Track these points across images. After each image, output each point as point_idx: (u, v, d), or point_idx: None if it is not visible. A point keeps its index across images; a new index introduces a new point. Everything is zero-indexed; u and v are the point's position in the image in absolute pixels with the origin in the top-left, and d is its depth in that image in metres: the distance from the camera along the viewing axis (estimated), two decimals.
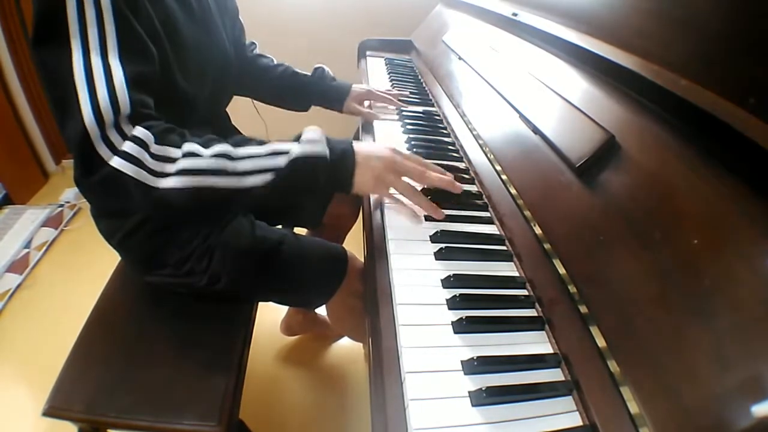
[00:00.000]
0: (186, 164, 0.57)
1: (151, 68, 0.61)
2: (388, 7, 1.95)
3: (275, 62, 1.09)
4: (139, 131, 0.57)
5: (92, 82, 0.54)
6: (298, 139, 0.63)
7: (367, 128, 1.00)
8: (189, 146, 0.59)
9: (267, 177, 0.60)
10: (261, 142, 0.63)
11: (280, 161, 0.60)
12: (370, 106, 1.08)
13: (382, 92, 1.09)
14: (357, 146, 0.65)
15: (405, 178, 0.66)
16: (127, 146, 0.56)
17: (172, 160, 0.58)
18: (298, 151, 0.60)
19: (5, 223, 1.73)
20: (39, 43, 0.56)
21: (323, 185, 0.63)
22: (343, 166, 0.63)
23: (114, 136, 0.55)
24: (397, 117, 1.05)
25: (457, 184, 0.68)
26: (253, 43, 1.10)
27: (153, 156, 0.57)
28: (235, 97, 1.01)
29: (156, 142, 0.57)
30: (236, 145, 0.61)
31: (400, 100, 1.10)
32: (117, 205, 0.60)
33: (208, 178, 0.58)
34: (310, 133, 0.63)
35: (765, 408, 0.30)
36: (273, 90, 1.08)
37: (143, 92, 0.59)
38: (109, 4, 0.55)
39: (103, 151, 0.55)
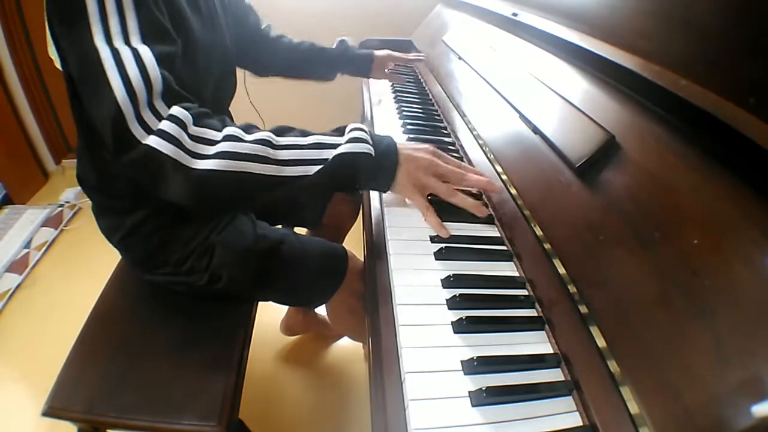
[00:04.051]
0: (226, 147, 0.56)
1: (175, 48, 0.61)
2: (388, 7, 1.95)
3: (296, 40, 1.13)
4: (177, 110, 0.56)
5: (121, 62, 0.54)
6: (341, 132, 0.62)
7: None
8: (230, 130, 0.58)
9: (308, 168, 0.59)
10: (304, 133, 0.62)
11: (325, 154, 0.59)
12: (394, 69, 1.21)
13: (400, 54, 1.21)
14: (400, 147, 0.64)
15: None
16: (165, 125, 0.55)
17: (212, 143, 0.57)
18: (344, 148, 0.60)
19: (5, 223, 1.73)
20: (59, 31, 0.56)
21: (364, 182, 0.63)
22: (386, 166, 0.63)
23: (148, 116, 0.55)
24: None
25: (483, 208, 0.67)
26: (269, 26, 1.12)
27: (191, 137, 0.56)
28: (234, 96, 1.01)
29: (194, 123, 0.57)
30: (278, 133, 0.61)
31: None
32: (147, 185, 0.59)
33: (247, 164, 0.57)
34: (355, 131, 0.62)
35: (765, 408, 0.30)
36: (301, 64, 1.13)
37: (171, 72, 0.58)
38: None
39: (136, 130, 0.54)
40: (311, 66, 1.14)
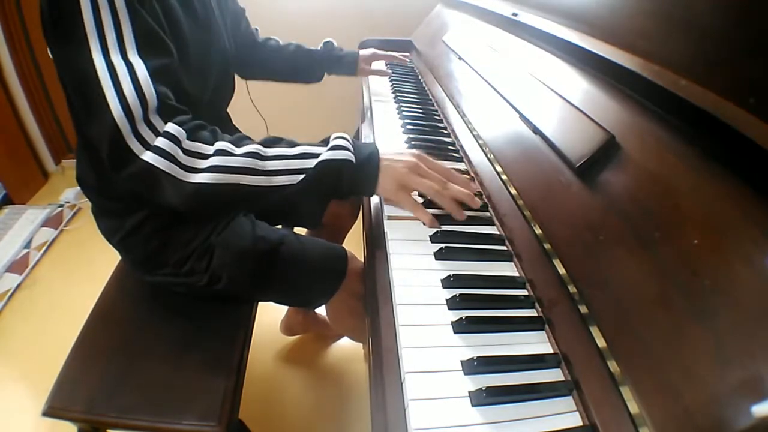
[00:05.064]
0: (217, 161, 0.59)
1: (170, 59, 0.62)
2: (388, 7, 1.95)
3: (282, 42, 1.16)
4: (172, 127, 0.58)
5: (117, 79, 0.55)
6: (326, 143, 0.64)
7: (367, 129, 1.00)
8: (221, 144, 0.60)
9: (295, 178, 0.61)
10: (291, 144, 0.64)
11: (309, 163, 0.62)
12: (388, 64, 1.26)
13: (384, 52, 1.24)
14: (382, 151, 0.66)
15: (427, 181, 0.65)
16: (160, 141, 0.57)
17: (204, 156, 0.59)
18: (325, 155, 0.62)
19: (5, 223, 1.73)
20: (56, 45, 0.57)
21: (347, 188, 0.64)
22: (368, 171, 0.64)
23: (144, 131, 0.57)
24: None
25: (476, 199, 0.67)
26: (256, 29, 1.14)
27: (185, 151, 0.58)
28: (234, 97, 1.01)
29: (188, 138, 0.59)
30: (267, 144, 0.63)
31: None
32: (145, 197, 0.62)
33: (238, 176, 0.59)
34: (337, 140, 0.64)
35: (765, 408, 0.30)
36: (288, 66, 1.16)
37: (166, 84, 0.60)
38: (123, 4, 0.56)
39: (134, 145, 0.56)
40: (298, 69, 1.17)
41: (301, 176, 0.61)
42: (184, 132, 0.59)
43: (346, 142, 0.64)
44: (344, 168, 0.62)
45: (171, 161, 0.57)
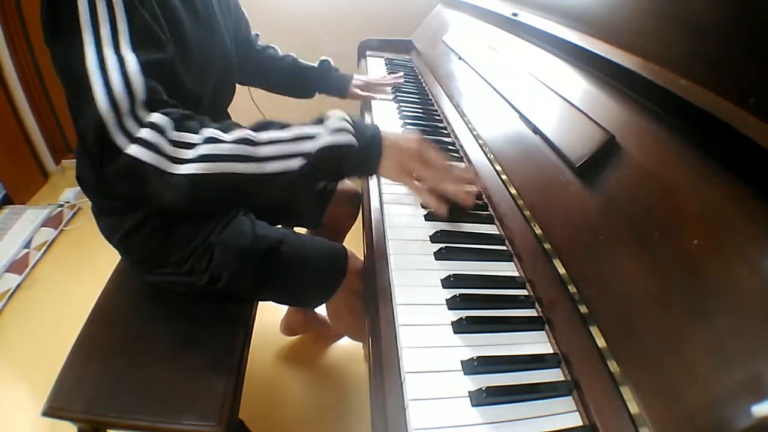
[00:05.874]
0: (206, 150, 0.56)
1: (164, 54, 0.60)
2: (388, 7, 1.95)
3: (281, 53, 1.15)
4: (157, 117, 0.56)
5: (106, 72, 0.54)
6: (320, 121, 0.62)
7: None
8: (209, 132, 0.57)
9: (291, 163, 0.58)
10: (283, 126, 0.61)
11: (305, 146, 0.59)
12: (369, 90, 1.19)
13: (379, 81, 1.21)
14: (384, 133, 0.64)
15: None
16: (144, 133, 0.54)
17: (191, 146, 0.56)
18: (328, 140, 0.59)
19: (5, 223, 1.73)
20: (52, 39, 0.56)
21: (348, 171, 0.63)
22: (370, 153, 0.62)
23: (130, 124, 0.55)
24: (392, 98, 1.07)
25: (470, 197, 0.66)
26: (257, 35, 1.13)
27: (171, 142, 0.56)
28: (235, 96, 1.01)
29: (175, 128, 0.56)
30: (258, 129, 0.60)
31: (398, 91, 1.15)
32: (136, 193, 0.59)
33: (228, 164, 0.56)
34: (336, 121, 0.61)
35: (765, 408, 0.30)
36: (282, 78, 1.15)
37: (158, 79, 0.58)
38: (120, 0, 0.55)
39: (119, 139, 0.54)
40: (291, 82, 1.17)
41: (301, 161, 0.58)
42: (171, 122, 0.56)
43: (347, 124, 0.61)
44: (346, 152, 0.60)
45: (156, 153, 0.55)
